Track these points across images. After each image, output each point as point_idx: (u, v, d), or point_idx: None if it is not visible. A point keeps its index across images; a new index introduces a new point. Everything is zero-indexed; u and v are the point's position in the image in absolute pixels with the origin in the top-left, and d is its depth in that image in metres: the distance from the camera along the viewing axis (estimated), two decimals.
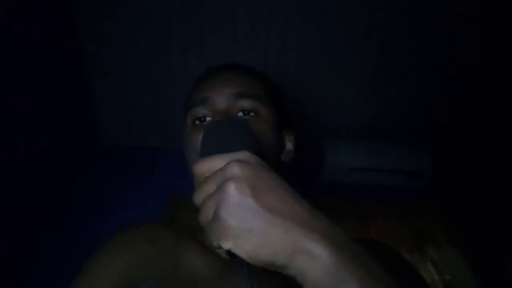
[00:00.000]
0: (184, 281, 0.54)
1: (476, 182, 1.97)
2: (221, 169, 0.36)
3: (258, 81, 0.62)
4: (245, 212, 0.33)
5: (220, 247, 0.33)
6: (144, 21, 1.99)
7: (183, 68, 2.08)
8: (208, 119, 0.57)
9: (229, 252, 0.34)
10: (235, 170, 0.34)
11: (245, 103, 0.57)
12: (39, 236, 1.60)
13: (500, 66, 2.00)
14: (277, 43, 2.02)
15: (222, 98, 0.57)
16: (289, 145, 0.64)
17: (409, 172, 2.00)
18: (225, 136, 0.47)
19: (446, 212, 1.78)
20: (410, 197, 1.88)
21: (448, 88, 2.09)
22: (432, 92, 2.12)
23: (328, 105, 2.18)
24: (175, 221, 1.66)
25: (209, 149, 0.45)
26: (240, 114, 0.57)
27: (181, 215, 1.68)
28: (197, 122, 0.58)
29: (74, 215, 1.72)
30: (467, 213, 1.84)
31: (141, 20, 1.99)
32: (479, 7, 1.90)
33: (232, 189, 0.33)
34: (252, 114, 0.57)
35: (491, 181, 1.92)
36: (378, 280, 0.33)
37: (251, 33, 2.01)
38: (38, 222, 1.64)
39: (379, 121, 2.20)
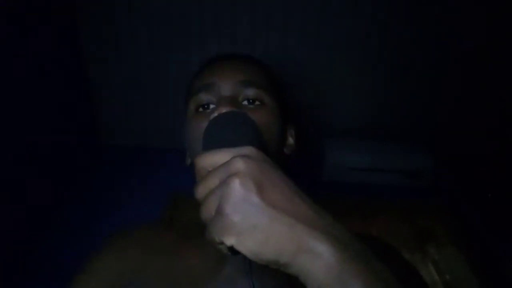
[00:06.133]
0: (181, 280, 0.54)
1: (476, 182, 1.97)
2: (225, 164, 0.34)
3: (262, 71, 0.61)
4: (249, 209, 0.32)
5: (222, 243, 0.32)
6: (144, 21, 2.00)
7: (183, 68, 2.08)
8: (212, 106, 0.55)
9: (231, 249, 0.33)
10: (240, 165, 0.33)
11: (251, 92, 0.55)
12: (39, 236, 1.60)
13: (501, 66, 2.00)
14: (277, 43, 2.02)
15: (228, 86, 0.55)
16: (290, 139, 0.63)
17: (409, 172, 2.00)
18: (229, 130, 0.45)
19: (446, 212, 1.78)
20: (410, 197, 1.87)
21: (448, 88, 2.09)
22: (432, 92, 2.12)
23: (329, 105, 2.18)
24: (175, 221, 1.65)
25: (213, 143, 0.43)
26: (245, 103, 0.55)
27: (181, 215, 1.68)
28: (201, 109, 0.55)
29: (74, 215, 1.72)
30: (467, 213, 1.83)
31: (141, 20, 1.99)
32: (480, 7, 1.90)
33: (236, 185, 0.32)
34: (257, 103, 0.55)
35: (491, 181, 1.91)
36: (381, 279, 0.32)
37: (251, 33, 2.01)
38: (38, 222, 1.64)
39: (379, 121, 2.20)
